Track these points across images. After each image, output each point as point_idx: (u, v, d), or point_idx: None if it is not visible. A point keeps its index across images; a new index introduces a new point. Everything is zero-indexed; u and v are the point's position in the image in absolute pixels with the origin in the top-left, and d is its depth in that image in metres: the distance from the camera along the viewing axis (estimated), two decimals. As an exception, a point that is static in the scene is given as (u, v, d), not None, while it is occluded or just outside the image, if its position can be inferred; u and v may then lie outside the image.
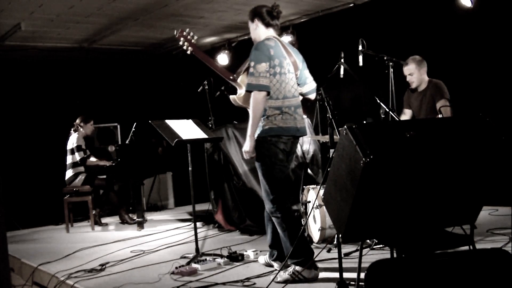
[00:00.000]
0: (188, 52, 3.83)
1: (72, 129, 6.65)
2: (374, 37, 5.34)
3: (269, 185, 3.47)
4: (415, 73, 4.61)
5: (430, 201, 2.50)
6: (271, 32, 3.59)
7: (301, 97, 3.71)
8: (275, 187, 3.47)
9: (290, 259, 3.41)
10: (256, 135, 3.45)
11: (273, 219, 3.53)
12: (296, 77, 3.60)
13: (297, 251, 3.37)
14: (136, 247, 5.02)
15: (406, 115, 4.84)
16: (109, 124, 7.97)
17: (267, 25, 3.58)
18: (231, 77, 3.71)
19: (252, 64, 3.37)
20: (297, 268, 3.40)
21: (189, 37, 3.83)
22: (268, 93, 3.39)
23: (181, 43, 3.84)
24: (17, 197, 7.07)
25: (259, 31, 3.60)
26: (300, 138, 5.53)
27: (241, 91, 3.66)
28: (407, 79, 4.68)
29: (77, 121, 6.67)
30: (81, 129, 6.62)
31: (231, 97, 3.70)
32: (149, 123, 4.42)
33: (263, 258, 3.94)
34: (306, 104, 5.51)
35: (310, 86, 3.72)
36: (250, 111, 3.37)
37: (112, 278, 3.91)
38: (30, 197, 7.48)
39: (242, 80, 3.66)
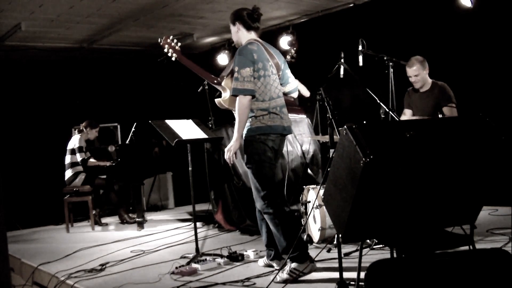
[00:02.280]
0: (173, 59, 3.97)
1: (76, 130, 6.66)
2: (374, 37, 5.34)
3: (259, 182, 3.54)
4: (420, 74, 4.59)
5: (430, 201, 2.50)
6: (252, 35, 3.69)
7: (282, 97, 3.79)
8: (265, 184, 3.54)
9: (285, 255, 3.46)
10: (244, 135, 3.55)
11: (265, 216, 3.58)
12: (278, 77, 3.71)
13: (290, 246, 3.41)
14: (136, 247, 5.02)
15: (406, 115, 4.83)
16: (109, 124, 7.96)
17: (249, 28, 3.67)
18: (215, 81, 3.85)
19: (237, 69, 3.47)
20: (293, 265, 3.43)
21: (173, 44, 3.95)
22: (253, 97, 3.50)
23: (165, 50, 3.95)
24: (17, 197, 7.07)
25: (241, 34, 3.69)
26: (300, 138, 5.59)
27: (225, 94, 3.77)
28: (412, 80, 4.65)
29: (84, 124, 6.70)
30: (86, 132, 6.64)
31: (216, 100, 3.81)
32: (149, 123, 4.43)
33: (262, 261, 3.94)
34: (306, 104, 5.54)
35: (292, 85, 3.88)
36: (236, 114, 3.47)
37: (112, 278, 3.92)
38: (30, 197, 7.48)
39: (226, 83, 3.78)
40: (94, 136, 6.85)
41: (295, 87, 3.90)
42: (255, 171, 3.55)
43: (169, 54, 3.94)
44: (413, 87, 4.71)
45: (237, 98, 3.46)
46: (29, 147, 7.84)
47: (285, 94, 3.81)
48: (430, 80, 4.64)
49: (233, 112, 3.65)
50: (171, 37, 3.97)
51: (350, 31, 6.06)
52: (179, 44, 3.98)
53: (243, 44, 3.62)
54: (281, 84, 3.74)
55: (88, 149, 6.75)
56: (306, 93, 4.71)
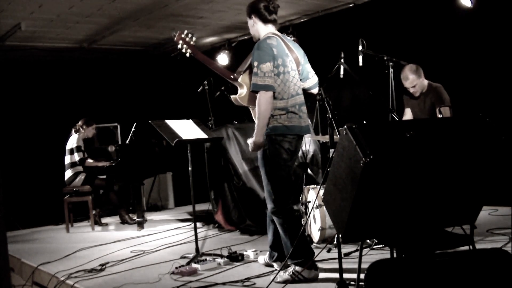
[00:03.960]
0: (187, 54, 3.80)
1: (73, 130, 6.66)
2: (374, 37, 5.34)
3: (272, 186, 3.44)
4: (417, 83, 4.58)
5: (430, 201, 2.50)
6: (270, 28, 3.55)
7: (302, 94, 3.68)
8: (278, 188, 3.45)
9: (290, 260, 3.40)
10: None
11: (275, 219, 3.51)
12: (298, 73, 3.56)
13: (297, 251, 3.36)
14: (136, 247, 5.02)
15: (407, 115, 4.83)
16: (109, 124, 7.97)
17: (265, 21, 3.53)
18: (232, 77, 3.67)
19: (256, 64, 3.33)
20: (297, 268, 3.39)
21: (187, 39, 3.80)
22: (274, 93, 3.36)
23: (179, 46, 3.80)
24: (17, 197, 7.07)
25: (258, 28, 3.56)
26: (300, 138, 5.58)
27: (242, 91, 3.62)
28: (411, 91, 4.64)
29: (80, 123, 6.69)
30: (82, 131, 6.64)
31: (232, 97, 3.65)
32: (149, 123, 4.42)
33: (263, 258, 3.93)
34: (306, 103, 5.54)
35: (312, 80, 3.69)
36: (257, 112, 3.32)
37: (112, 278, 3.91)
38: (30, 197, 7.48)
39: (243, 79, 3.63)
40: (92, 134, 6.84)
41: (315, 82, 3.69)
42: (268, 174, 3.44)
43: (183, 50, 3.78)
44: (407, 92, 4.71)
45: (258, 94, 3.31)
46: (29, 147, 7.84)
47: (304, 90, 3.65)
48: (426, 83, 4.64)
49: (250, 109, 3.53)
50: (185, 32, 3.81)
51: (350, 31, 6.06)
52: (194, 39, 3.82)
53: (262, 38, 3.48)
54: (300, 80, 3.59)
55: (88, 149, 6.74)
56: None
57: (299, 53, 3.60)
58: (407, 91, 4.69)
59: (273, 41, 3.41)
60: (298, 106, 3.49)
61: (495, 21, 5.28)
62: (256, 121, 3.35)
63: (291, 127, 3.42)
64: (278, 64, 3.37)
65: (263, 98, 3.30)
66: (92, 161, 6.58)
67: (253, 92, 3.35)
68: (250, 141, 3.41)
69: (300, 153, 5.59)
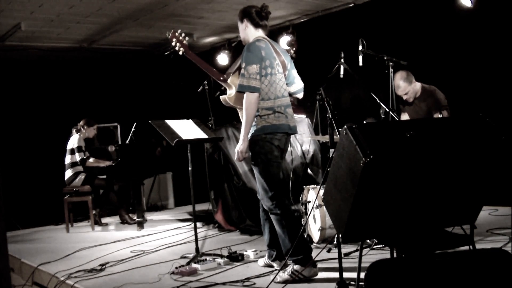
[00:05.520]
0: (180, 53, 3.94)
1: (74, 130, 6.66)
2: (374, 37, 5.34)
3: (267, 182, 3.50)
4: (409, 90, 4.61)
5: (430, 201, 2.50)
6: (260, 33, 3.66)
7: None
8: (273, 184, 3.50)
9: (289, 257, 3.43)
10: (250, 135, 3.51)
11: (272, 216, 3.55)
12: (284, 77, 3.66)
13: (296, 248, 3.39)
14: (136, 247, 5.02)
15: (406, 115, 4.83)
16: (109, 124, 7.97)
17: (256, 25, 3.65)
18: (222, 78, 3.81)
19: (244, 65, 3.44)
20: (296, 267, 3.41)
21: (181, 38, 3.93)
22: (261, 94, 3.46)
23: (173, 43, 3.94)
24: (17, 197, 7.07)
25: (248, 32, 3.67)
26: (300, 138, 5.59)
27: (231, 92, 3.74)
28: (404, 98, 4.68)
29: (81, 123, 6.70)
30: (83, 131, 6.64)
31: (222, 97, 3.77)
32: (149, 123, 4.43)
33: (262, 260, 3.94)
34: (306, 104, 5.54)
35: (297, 85, 3.81)
36: (244, 111, 3.43)
37: (112, 278, 3.92)
38: (30, 197, 7.48)
39: (232, 81, 3.75)
40: (93, 134, 6.85)
41: (301, 87, 3.82)
42: (262, 171, 3.51)
43: (177, 48, 3.90)
44: (401, 100, 4.73)
45: (245, 95, 3.41)
46: (29, 147, 7.84)
47: (290, 94, 3.75)
48: (419, 87, 4.64)
49: (238, 109, 3.61)
50: (179, 31, 3.94)
51: (350, 31, 6.06)
52: (187, 38, 3.95)
53: (251, 41, 3.57)
54: (286, 84, 3.68)
55: (88, 149, 6.74)
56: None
57: (286, 58, 3.72)
58: (401, 99, 4.72)
59: (262, 44, 3.52)
60: (284, 107, 3.58)
61: (495, 21, 5.28)
62: (243, 121, 3.45)
63: (280, 125, 3.52)
64: (266, 66, 3.47)
65: (249, 98, 3.41)
66: (94, 160, 6.58)
67: (239, 92, 3.46)
68: (236, 148, 3.51)
69: (300, 153, 5.60)
